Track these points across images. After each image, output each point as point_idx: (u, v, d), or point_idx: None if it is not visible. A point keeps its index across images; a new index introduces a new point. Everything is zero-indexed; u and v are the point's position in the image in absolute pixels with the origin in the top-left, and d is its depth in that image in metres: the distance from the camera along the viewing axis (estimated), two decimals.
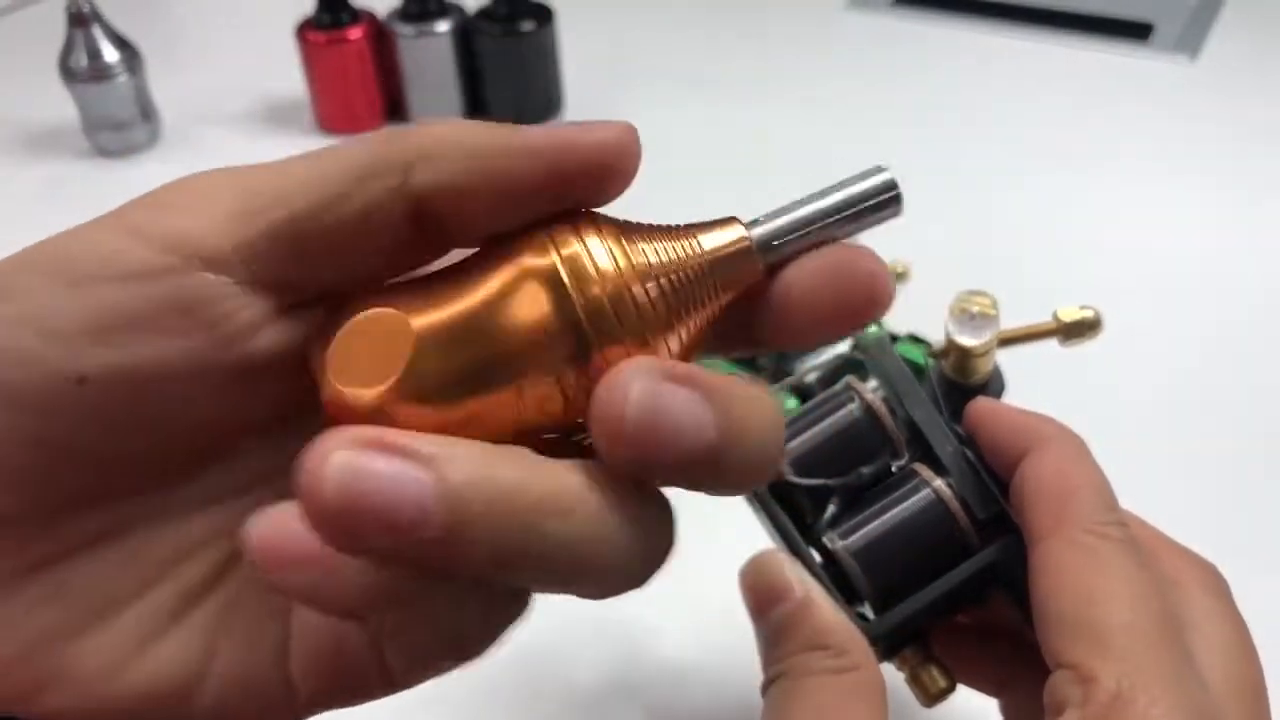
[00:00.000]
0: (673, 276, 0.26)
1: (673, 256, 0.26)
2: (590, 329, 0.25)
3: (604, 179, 0.26)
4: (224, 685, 0.27)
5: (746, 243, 0.27)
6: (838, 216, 0.28)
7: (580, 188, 0.26)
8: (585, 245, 0.25)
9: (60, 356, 0.24)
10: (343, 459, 0.22)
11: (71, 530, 0.26)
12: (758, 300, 0.28)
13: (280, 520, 0.23)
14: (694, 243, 0.27)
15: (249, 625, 0.27)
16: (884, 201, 0.28)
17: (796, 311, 0.28)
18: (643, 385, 0.24)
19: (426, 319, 0.25)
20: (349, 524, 0.22)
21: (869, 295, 0.27)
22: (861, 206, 0.28)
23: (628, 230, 0.26)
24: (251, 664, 0.27)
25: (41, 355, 0.24)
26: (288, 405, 0.27)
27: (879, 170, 0.28)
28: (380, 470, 0.22)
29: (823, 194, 0.28)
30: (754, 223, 0.27)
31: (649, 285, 0.25)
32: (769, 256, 0.27)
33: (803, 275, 0.27)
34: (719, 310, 0.27)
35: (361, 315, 0.25)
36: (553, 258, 0.25)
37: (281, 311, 0.26)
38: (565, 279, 0.25)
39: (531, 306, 0.25)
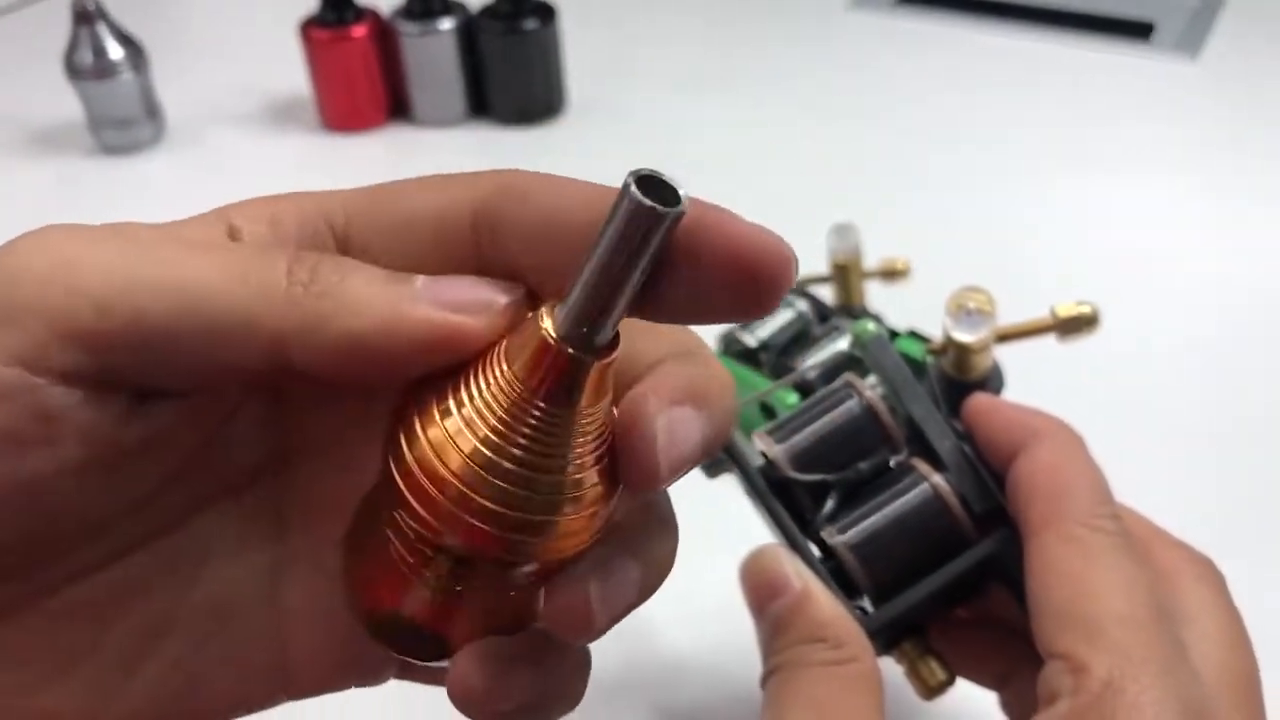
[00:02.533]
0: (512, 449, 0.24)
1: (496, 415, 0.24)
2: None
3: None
4: (221, 695, 0.29)
5: (556, 347, 0.23)
6: (626, 260, 0.22)
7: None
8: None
9: None
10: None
11: None
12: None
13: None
14: (509, 384, 0.24)
15: (233, 641, 0.29)
16: (652, 216, 0.22)
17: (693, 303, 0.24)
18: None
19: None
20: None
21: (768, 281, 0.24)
22: (640, 236, 0.22)
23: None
24: (246, 672, 0.29)
25: None
26: (175, 468, 0.28)
27: (627, 187, 0.22)
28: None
29: (597, 243, 0.23)
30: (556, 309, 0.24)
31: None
32: (590, 345, 0.23)
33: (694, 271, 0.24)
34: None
35: None
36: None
37: (144, 399, 0.26)
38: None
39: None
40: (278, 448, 0.30)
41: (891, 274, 0.63)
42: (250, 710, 0.30)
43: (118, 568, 0.28)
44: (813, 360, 0.59)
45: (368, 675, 0.30)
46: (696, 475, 0.41)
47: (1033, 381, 0.44)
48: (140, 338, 0.24)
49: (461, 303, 0.25)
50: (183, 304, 0.24)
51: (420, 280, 0.25)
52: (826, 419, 0.40)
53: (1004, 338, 0.41)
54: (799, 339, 0.62)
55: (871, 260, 0.63)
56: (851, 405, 0.40)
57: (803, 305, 0.63)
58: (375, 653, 0.28)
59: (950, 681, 0.38)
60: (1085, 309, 0.42)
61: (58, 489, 0.25)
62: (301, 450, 0.30)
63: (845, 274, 0.63)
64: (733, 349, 0.62)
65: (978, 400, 0.39)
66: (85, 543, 0.27)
